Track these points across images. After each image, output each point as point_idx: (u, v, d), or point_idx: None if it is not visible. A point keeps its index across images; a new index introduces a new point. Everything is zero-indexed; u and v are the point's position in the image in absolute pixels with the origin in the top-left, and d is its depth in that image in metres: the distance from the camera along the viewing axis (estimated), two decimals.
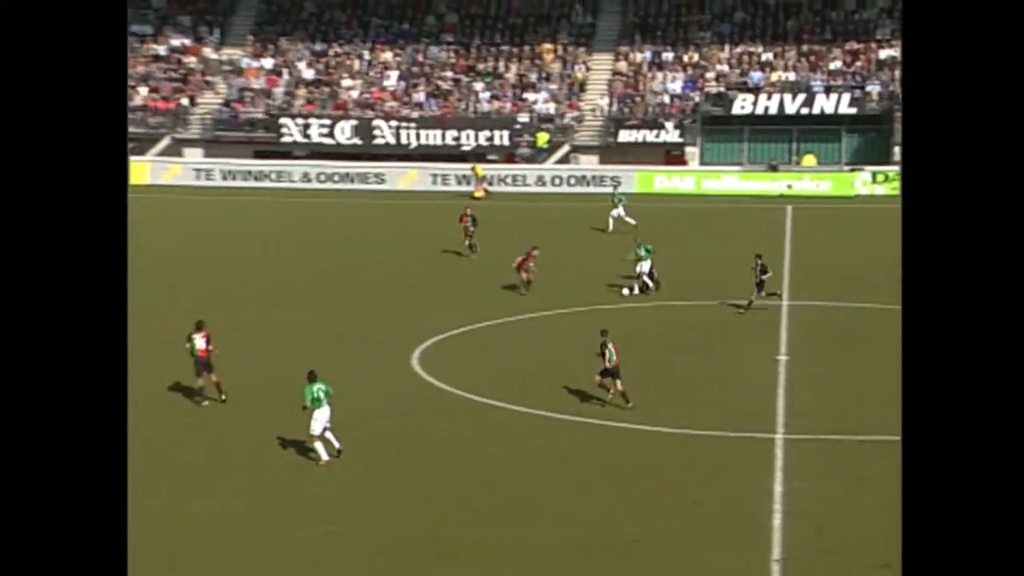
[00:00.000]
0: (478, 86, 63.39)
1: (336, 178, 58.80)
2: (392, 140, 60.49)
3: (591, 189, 57.17)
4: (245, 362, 28.30)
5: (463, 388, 27.23)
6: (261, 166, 59.62)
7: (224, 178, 59.28)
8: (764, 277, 34.09)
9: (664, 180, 58.05)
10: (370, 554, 18.71)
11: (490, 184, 56.48)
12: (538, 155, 60.50)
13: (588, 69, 64.54)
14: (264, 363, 28.98)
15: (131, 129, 62.95)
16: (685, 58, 64.06)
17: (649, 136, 60.10)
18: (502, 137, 60.55)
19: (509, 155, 60.53)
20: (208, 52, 65.68)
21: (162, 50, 65.60)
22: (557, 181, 58.81)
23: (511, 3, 67.28)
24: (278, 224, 49.82)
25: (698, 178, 58.47)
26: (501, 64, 64.67)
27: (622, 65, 64.15)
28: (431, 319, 32.92)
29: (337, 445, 22.65)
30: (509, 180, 58.43)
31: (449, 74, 64.31)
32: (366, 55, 65.25)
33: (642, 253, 36.50)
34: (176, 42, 65.99)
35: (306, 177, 59.05)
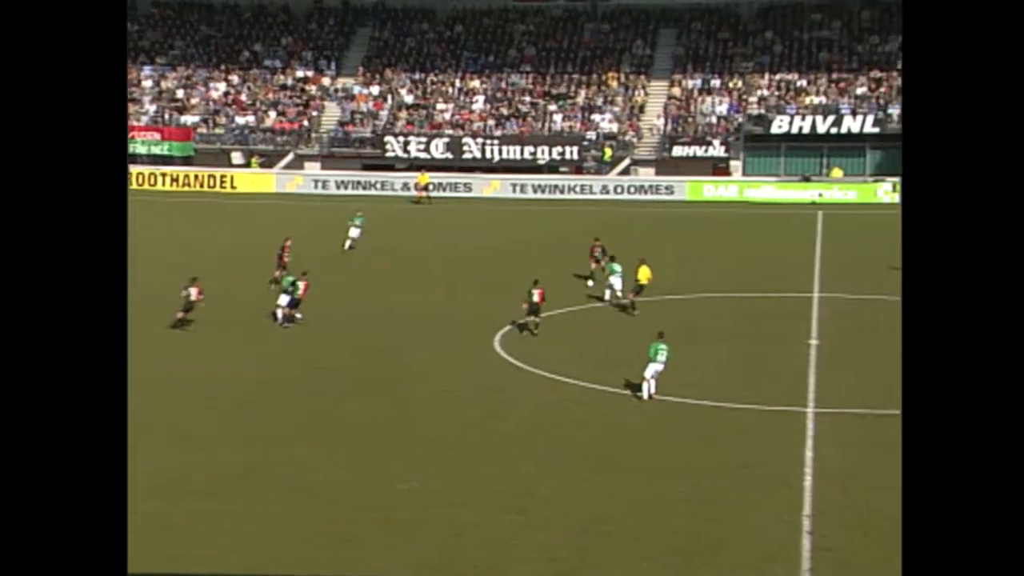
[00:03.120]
0: (552, 108, 62.77)
1: (431, 187, 58.53)
2: (478, 155, 60.13)
3: (648, 197, 57.00)
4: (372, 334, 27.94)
5: (536, 366, 26.75)
6: (368, 177, 59.54)
7: (337, 187, 59.23)
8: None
9: (711, 189, 57.37)
10: (451, 508, 18.27)
11: (430, 192, 55.61)
12: (603, 167, 59.92)
13: (646, 94, 63.63)
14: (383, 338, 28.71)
15: (261, 146, 63.55)
16: (730, 85, 62.92)
17: (699, 151, 59.37)
18: (572, 152, 60.05)
19: (577, 167, 60.00)
20: (326, 81, 65.79)
21: (288, 80, 65.84)
22: (619, 190, 58.25)
23: (581, 38, 66.60)
24: (383, 225, 49.60)
25: (740, 187, 57.53)
26: (572, 89, 64.01)
27: (676, 91, 63.18)
28: (510, 306, 32.43)
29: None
30: (577, 189, 57.97)
31: (527, 98, 63.76)
32: (457, 83, 64.91)
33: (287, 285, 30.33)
34: (300, 73, 66.15)
35: (406, 186, 58.80)
